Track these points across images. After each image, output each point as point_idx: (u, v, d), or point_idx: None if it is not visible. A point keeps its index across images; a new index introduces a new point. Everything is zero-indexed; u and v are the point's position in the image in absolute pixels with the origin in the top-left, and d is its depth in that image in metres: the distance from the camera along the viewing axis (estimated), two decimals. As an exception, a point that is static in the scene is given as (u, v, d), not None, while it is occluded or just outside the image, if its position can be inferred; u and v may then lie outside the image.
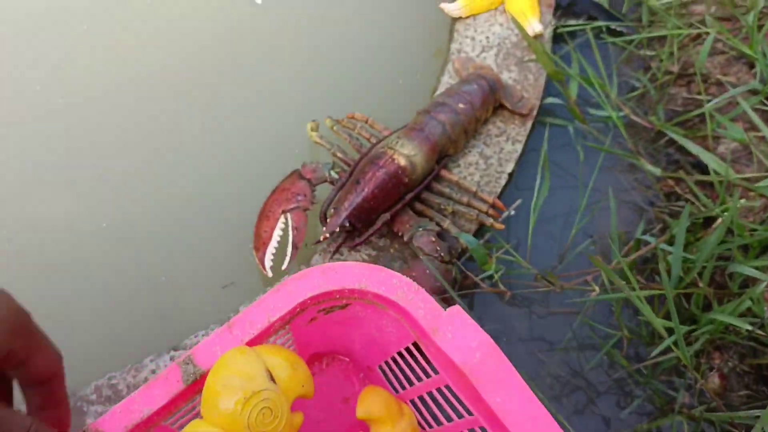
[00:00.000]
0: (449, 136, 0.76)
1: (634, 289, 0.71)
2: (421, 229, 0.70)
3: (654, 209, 0.86)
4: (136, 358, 0.71)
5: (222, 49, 0.97)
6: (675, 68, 0.91)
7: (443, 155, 0.78)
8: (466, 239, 0.77)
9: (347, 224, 0.69)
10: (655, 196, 0.87)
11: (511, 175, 0.85)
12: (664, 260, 0.72)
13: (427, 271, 0.69)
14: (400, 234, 0.72)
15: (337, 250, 0.72)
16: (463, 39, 0.95)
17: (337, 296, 0.53)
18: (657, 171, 0.86)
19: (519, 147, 0.87)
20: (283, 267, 0.72)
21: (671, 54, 0.91)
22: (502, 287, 0.80)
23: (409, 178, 0.72)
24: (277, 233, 0.73)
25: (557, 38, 0.99)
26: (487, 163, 0.85)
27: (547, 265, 0.83)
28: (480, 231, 0.82)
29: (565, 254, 0.83)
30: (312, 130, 0.81)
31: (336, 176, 0.75)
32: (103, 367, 0.70)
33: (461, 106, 0.77)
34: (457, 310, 0.50)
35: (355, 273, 0.53)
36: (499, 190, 0.84)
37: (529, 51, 0.93)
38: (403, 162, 0.71)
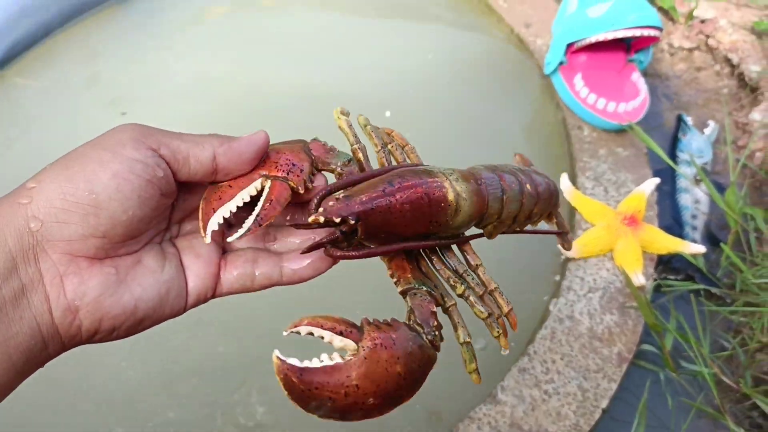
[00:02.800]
0: (501, 207, 0.59)
1: None
2: (424, 288, 0.52)
3: (735, 470, 0.93)
4: None
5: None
6: (765, 338, 1.02)
7: (481, 224, 0.60)
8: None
9: (353, 221, 0.49)
10: (738, 455, 0.95)
11: (604, 411, 0.96)
12: None
13: (409, 350, 0.45)
14: (394, 278, 0.54)
15: (316, 247, 0.49)
16: (573, 277, 1.10)
17: None
18: (740, 431, 0.94)
19: (614, 386, 0.98)
20: (230, 239, 0.47)
21: (762, 326, 1.02)
22: None
23: (446, 220, 0.54)
24: (244, 194, 0.50)
25: (657, 288, 1.12)
26: (585, 396, 0.97)
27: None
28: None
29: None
30: (342, 114, 0.59)
31: (347, 173, 0.55)
32: None
33: (528, 187, 0.62)
34: None
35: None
36: (593, 423, 0.94)
37: (631, 298, 1.07)
38: (450, 196, 0.53)
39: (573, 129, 1.33)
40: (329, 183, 0.52)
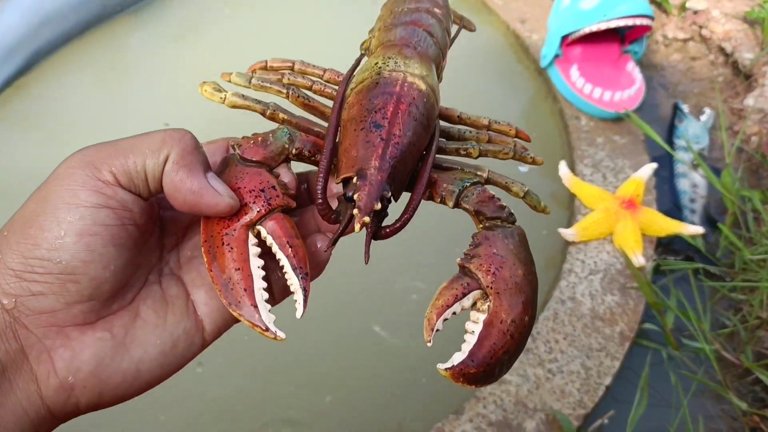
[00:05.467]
0: (440, 46, 0.53)
1: None
2: (468, 184, 0.44)
3: (739, 442, 0.94)
4: None
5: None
6: (764, 314, 1.03)
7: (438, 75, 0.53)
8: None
9: (388, 194, 0.41)
10: (741, 428, 0.96)
11: (608, 387, 0.97)
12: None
13: (511, 247, 0.41)
14: (437, 199, 0.45)
15: (369, 244, 0.40)
16: (574, 260, 1.12)
17: None
18: (743, 405, 0.96)
19: (617, 363, 0.99)
20: (298, 315, 0.38)
21: (761, 302, 1.04)
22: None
23: (437, 111, 0.48)
24: (257, 265, 0.39)
25: (657, 269, 1.14)
26: (588, 374, 0.98)
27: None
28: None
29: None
30: (215, 90, 0.45)
31: (301, 146, 0.43)
32: None
33: (437, 10, 0.55)
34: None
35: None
36: (597, 399, 0.96)
37: (632, 279, 1.09)
38: (423, 86, 0.46)
39: (570, 119, 1.35)
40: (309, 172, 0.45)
